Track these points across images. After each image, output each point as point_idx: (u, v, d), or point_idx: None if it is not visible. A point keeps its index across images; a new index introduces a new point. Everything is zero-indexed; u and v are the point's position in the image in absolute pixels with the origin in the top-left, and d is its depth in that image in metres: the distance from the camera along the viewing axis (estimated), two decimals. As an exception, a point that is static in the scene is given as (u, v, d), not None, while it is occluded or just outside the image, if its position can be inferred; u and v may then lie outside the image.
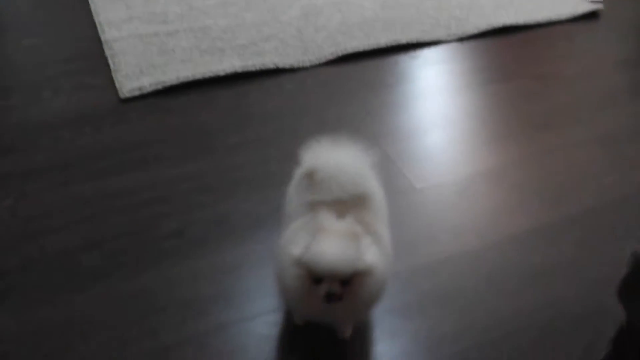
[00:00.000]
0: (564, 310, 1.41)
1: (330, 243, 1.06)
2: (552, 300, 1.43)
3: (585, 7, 2.66)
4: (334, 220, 1.12)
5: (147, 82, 2.05)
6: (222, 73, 2.09)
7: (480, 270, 1.49)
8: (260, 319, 1.36)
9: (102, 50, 2.24)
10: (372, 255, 1.11)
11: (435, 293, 1.43)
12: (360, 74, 2.17)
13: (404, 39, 2.33)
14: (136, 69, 2.11)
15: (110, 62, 2.16)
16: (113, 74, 2.10)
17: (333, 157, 1.22)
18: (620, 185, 1.76)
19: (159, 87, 2.04)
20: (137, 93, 2.02)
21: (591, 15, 2.64)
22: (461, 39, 2.39)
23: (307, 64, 2.19)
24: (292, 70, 2.16)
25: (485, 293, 1.44)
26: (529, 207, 1.68)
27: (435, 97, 2.11)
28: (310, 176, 1.21)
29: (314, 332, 1.32)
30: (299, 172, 1.28)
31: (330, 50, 2.24)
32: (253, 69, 2.13)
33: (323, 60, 2.21)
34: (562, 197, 1.71)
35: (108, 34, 2.31)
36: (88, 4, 2.54)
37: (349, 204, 1.17)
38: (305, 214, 1.17)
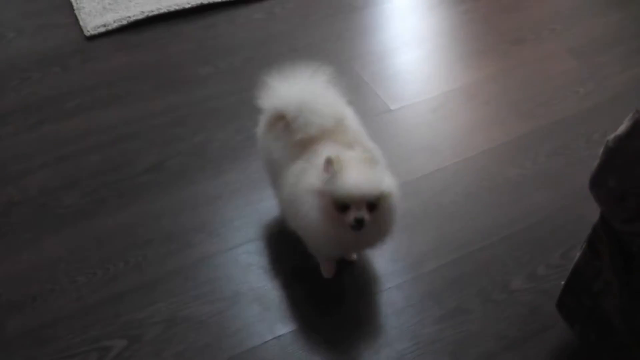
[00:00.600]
0: (542, 219, 1.43)
1: (354, 169, 1.08)
2: (530, 210, 1.45)
3: None
4: (344, 150, 1.13)
5: (112, 18, 2.00)
6: (187, 5, 2.04)
7: (458, 186, 1.51)
8: (242, 247, 1.37)
9: (64, -14, 2.17)
10: (389, 177, 1.14)
11: (414, 211, 1.44)
12: (329, -1, 2.13)
13: (372, -42, 2.27)
14: (99, 6, 2.05)
15: (72, 0, 2.10)
16: (76, 12, 2.05)
17: (294, 92, 1.21)
18: (594, 95, 1.77)
19: (124, 22, 1.99)
20: (102, 30, 1.97)
21: None
22: (431, -44, 2.34)
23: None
24: (259, 0, 2.11)
25: (464, 207, 1.46)
26: (504, 121, 1.68)
27: (407, 17, 2.08)
28: (280, 118, 1.21)
29: (293, 259, 1.34)
30: (264, 118, 1.27)
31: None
32: (219, -1, 2.08)
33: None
34: (538, 109, 1.72)
35: (68, -30, 2.24)
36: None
37: (331, 130, 1.18)
38: (298, 155, 1.17)
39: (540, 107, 1.73)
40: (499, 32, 2.01)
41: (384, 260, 1.35)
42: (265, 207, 1.44)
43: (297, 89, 1.21)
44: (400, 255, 1.36)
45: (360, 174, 1.08)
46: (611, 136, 0.86)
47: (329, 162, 1.08)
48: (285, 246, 1.36)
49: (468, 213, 1.45)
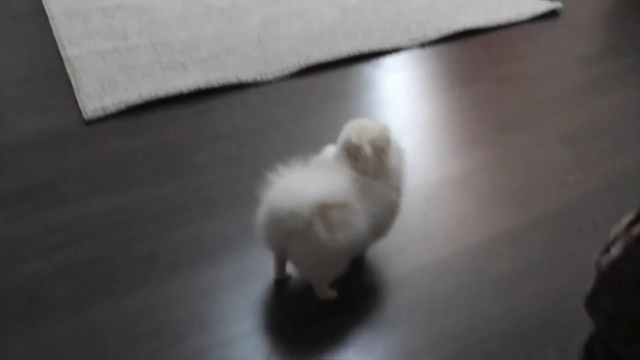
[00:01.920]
0: (536, 312, 1.43)
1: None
2: (523, 304, 1.45)
3: (545, 6, 2.71)
4: None
5: (110, 101, 2.03)
6: (185, 90, 2.08)
7: (451, 278, 1.51)
8: (236, 342, 1.36)
9: (64, 68, 2.22)
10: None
11: (408, 304, 1.44)
12: (324, 85, 2.18)
13: (365, 47, 2.34)
14: (98, 88, 2.09)
15: (72, 80, 2.14)
16: (76, 93, 2.08)
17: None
18: (585, 183, 1.80)
19: (122, 106, 2.02)
20: (100, 113, 2.00)
21: (551, 14, 2.68)
22: (422, 45, 2.42)
23: (271, 76, 2.19)
24: (255, 84, 2.16)
25: (457, 300, 1.46)
26: (496, 211, 1.70)
27: (399, 105, 2.12)
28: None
29: (289, 355, 1.33)
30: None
31: (293, 62, 2.25)
32: (216, 84, 2.12)
33: (286, 72, 2.21)
34: (528, 199, 1.74)
35: (68, 51, 2.29)
36: (47, 20, 2.51)
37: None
38: None
39: (531, 196, 1.75)
40: (488, 120, 2.05)
41: (377, 357, 1.34)
42: (259, 300, 1.44)
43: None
44: (393, 351, 1.35)
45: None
46: (604, 259, 0.87)
47: None
48: (280, 340, 1.35)
49: (461, 306, 1.45)
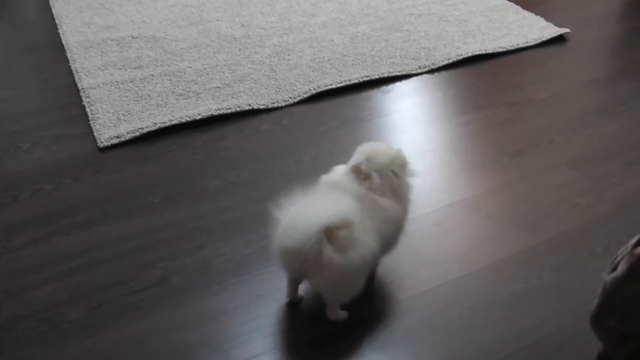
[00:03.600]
0: (548, 334, 1.43)
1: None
2: (535, 325, 1.45)
3: (552, 31, 2.73)
4: None
5: (125, 129, 2.07)
6: (198, 117, 2.12)
7: (464, 300, 1.52)
8: (247, 364, 1.37)
9: (80, 98, 2.26)
10: None
11: (420, 327, 1.45)
12: (334, 111, 2.21)
13: (375, 74, 2.37)
14: (113, 117, 2.13)
15: (87, 110, 2.18)
16: (91, 123, 2.12)
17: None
18: (595, 207, 1.80)
19: (137, 134, 2.05)
20: (115, 141, 2.03)
21: (558, 39, 2.70)
22: (432, 71, 2.44)
23: (282, 103, 2.22)
24: (267, 111, 2.19)
25: (470, 323, 1.46)
26: (507, 234, 1.71)
27: (409, 130, 2.14)
28: None
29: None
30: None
31: (304, 89, 2.28)
32: (229, 111, 2.15)
33: (297, 98, 2.25)
34: (539, 222, 1.75)
35: (84, 81, 2.33)
36: (64, 51, 2.57)
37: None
38: None
39: (542, 220, 1.76)
40: (498, 144, 2.06)
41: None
42: (271, 322, 1.45)
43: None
44: (405, 374, 1.35)
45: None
46: (608, 277, 0.88)
47: None
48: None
49: (474, 328, 1.45)
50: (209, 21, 2.78)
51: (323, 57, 2.48)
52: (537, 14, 2.91)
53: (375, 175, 1.38)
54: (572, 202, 1.82)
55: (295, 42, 2.60)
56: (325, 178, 1.44)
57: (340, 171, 1.44)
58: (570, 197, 1.84)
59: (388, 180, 1.40)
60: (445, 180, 1.91)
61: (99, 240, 1.68)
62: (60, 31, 2.72)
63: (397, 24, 2.76)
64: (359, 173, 1.38)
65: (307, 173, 1.87)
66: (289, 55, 2.50)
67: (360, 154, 1.42)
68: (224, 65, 2.43)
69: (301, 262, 1.27)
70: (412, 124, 2.17)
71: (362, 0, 3.00)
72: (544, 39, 2.69)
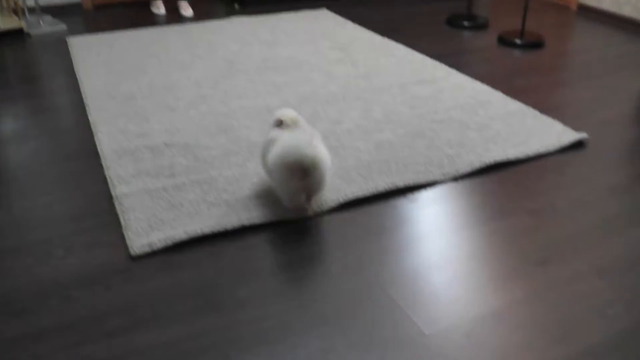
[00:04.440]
0: None
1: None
2: None
3: (570, 136, 2.80)
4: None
5: (157, 238, 2.12)
6: (229, 227, 2.18)
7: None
8: None
9: (113, 206, 2.33)
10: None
11: None
12: (361, 220, 2.26)
13: (400, 182, 2.44)
14: (146, 225, 2.19)
15: (120, 218, 2.25)
16: (123, 230, 2.18)
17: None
18: (623, 317, 1.80)
19: (168, 242, 2.11)
20: (147, 249, 2.09)
21: (577, 145, 2.77)
22: (455, 178, 2.50)
23: (310, 212, 2.28)
24: (296, 221, 2.25)
25: None
26: (535, 347, 1.71)
27: (436, 239, 2.18)
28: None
29: None
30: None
31: (331, 198, 2.34)
32: (258, 221, 2.21)
33: (325, 208, 2.30)
34: (567, 333, 1.75)
35: (118, 189, 2.42)
36: (99, 158, 2.67)
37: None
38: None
39: (570, 331, 1.75)
40: (523, 253, 2.09)
41: None
42: None
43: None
44: None
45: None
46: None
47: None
48: None
49: None
50: (240, 129, 2.89)
51: (349, 165, 2.56)
52: (554, 118, 3.00)
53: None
54: (601, 311, 1.82)
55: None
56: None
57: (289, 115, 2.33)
58: (598, 307, 1.84)
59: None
60: (473, 290, 1.93)
61: (128, 349, 1.70)
62: (95, 138, 2.84)
63: (420, 131, 2.85)
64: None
65: (336, 282, 1.90)
66: (315, 163, 2.58)
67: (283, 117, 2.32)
68: (253, 173, 2.51)
69: (306, 165, 2.09)
70: (438, 232, 2.21)
71: (385, 106, 3.11)
72: (563, 145, 2.75)
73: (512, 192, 2.44)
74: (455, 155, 2.64)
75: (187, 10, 5.05)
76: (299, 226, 2.22)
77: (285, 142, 2.14)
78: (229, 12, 5.06)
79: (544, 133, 2.85)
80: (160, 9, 5.10)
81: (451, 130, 2.87)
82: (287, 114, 2.33)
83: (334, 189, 2.39)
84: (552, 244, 2.13)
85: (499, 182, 2.50)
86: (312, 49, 4.09)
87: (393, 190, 2.42)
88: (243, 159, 2.62)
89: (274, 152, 2.15)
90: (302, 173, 2.10)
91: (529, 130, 2.88)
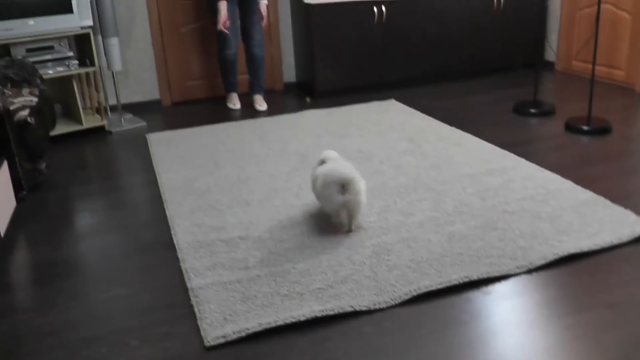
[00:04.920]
0: None
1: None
2: None
3: (644, 226, 2.74)
4: None
5: (231, 329, 2.16)
6: (302, 318, 2.20)
7: None
8: None
9: (188, 298, 2.40)
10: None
11: None
12: (434, 313, 2.24)
13: (474, 274, 2.42)
14: (220, 317, 2.24)
15: (195, 309, 2.31)
16: (198, 322, 2.23)
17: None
18: None
19: (242, 334, 2.14)
20: (221, 341, 2.13)
21: (651, 235, 2.70)
22: (530, 270, 2.47)
23: (383, 305, 2.28)
24: (369, 312, 2.25)
25: None
26: None
27: (513, 334, 2.13)
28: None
29: None
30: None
31: (405, 290, 2.35)
32: (331, 313, 2.23)
33: (398, 301, 2.31)
34: None
35: (194, 281, 2.49)
36: (175, 251, 2.76)
37: None
38: None
39: None
40: (606, 350, 2.02)
41: None
42: None
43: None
44: None
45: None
46: None
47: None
48: None
49: None
50: (312, 221, 2.96)
51: (421, 257, 2.57)
52: (626, 208, 2.94)
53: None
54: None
55: (394, 241, 2.71)
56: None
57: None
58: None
59: None
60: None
61: None
62: (172, 232, 2.95)
63: (492, 222, 2.85)
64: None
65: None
66: (388, 255, 2.60)
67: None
68: (326, 266, 2.55)
69: (345, 181, 2.70)
70: (514, 327, 2.17)
71: (456, 198, 3.13)
72: (636, 235, 2.69)
73: (587, 286, 2.38)
74: (528, 247, 2.62)
75: (262, 105, 5.25)
76: (372, 318, 2.22)
77: (328, 168, 2.80)
78: (301, 106, 5.24)
79: (616, 223, 2.80)
80: (235, 104, 5.31)
81: (523, 221, 2.85)
82: (329, 154, 2.96)
83: (406, 282, 2.39)
84: (633, 341, 2.05)
85: (573, 275, 2.45)
86: (381, 140, 4.17)
87: (466, 282, 2.40)
88: (316, 252, 2.66)
89: (320, 177, 2.78)
90: (341, 188, 2.70)
91: (600, 221, 2.83)
